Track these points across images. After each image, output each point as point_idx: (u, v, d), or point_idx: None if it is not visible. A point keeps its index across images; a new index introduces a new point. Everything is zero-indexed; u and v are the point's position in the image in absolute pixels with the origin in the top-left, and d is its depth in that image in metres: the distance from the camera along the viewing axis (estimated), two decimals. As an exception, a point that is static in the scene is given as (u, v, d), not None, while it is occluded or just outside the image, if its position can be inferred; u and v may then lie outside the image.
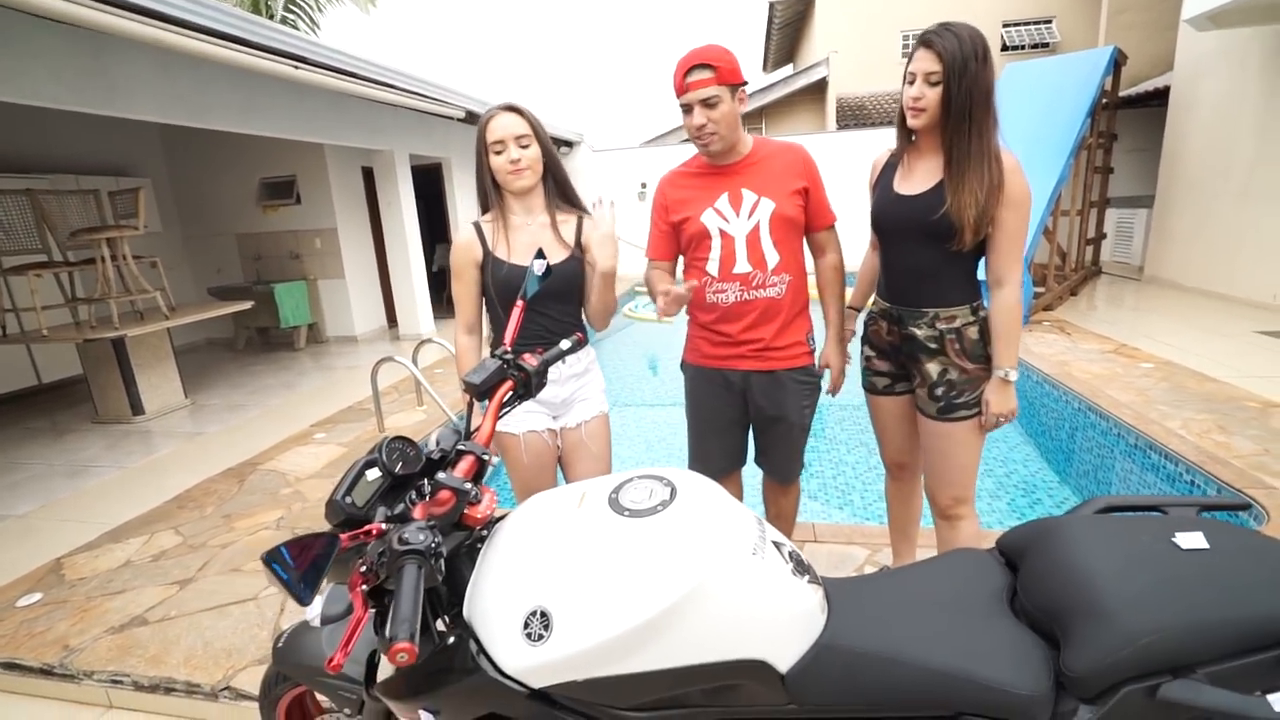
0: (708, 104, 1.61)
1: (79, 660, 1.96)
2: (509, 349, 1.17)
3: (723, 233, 1.73)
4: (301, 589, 0.67)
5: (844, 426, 4.35)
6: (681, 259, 1.88)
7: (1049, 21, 13.06)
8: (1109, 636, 0.80)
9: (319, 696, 1.35)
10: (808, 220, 1.78)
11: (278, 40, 4.02)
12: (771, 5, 15.22)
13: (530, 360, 1.18)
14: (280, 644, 1.22)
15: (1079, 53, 7.05)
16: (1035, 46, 12.96)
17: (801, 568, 0.95)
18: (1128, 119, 8.64)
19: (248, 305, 5.49)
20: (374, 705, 1.06)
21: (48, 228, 4.36)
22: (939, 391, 1.65)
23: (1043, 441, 3.93)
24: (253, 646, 1.97)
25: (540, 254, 1.30)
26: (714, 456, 1.95)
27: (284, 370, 5.95)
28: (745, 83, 1.68)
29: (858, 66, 13.43)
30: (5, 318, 4.27)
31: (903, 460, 1.92)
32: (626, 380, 5.79)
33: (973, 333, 1.62)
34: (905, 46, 14.02)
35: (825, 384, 1.93)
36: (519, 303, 1.24)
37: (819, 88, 14.07)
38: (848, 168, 9.60)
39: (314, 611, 0.97)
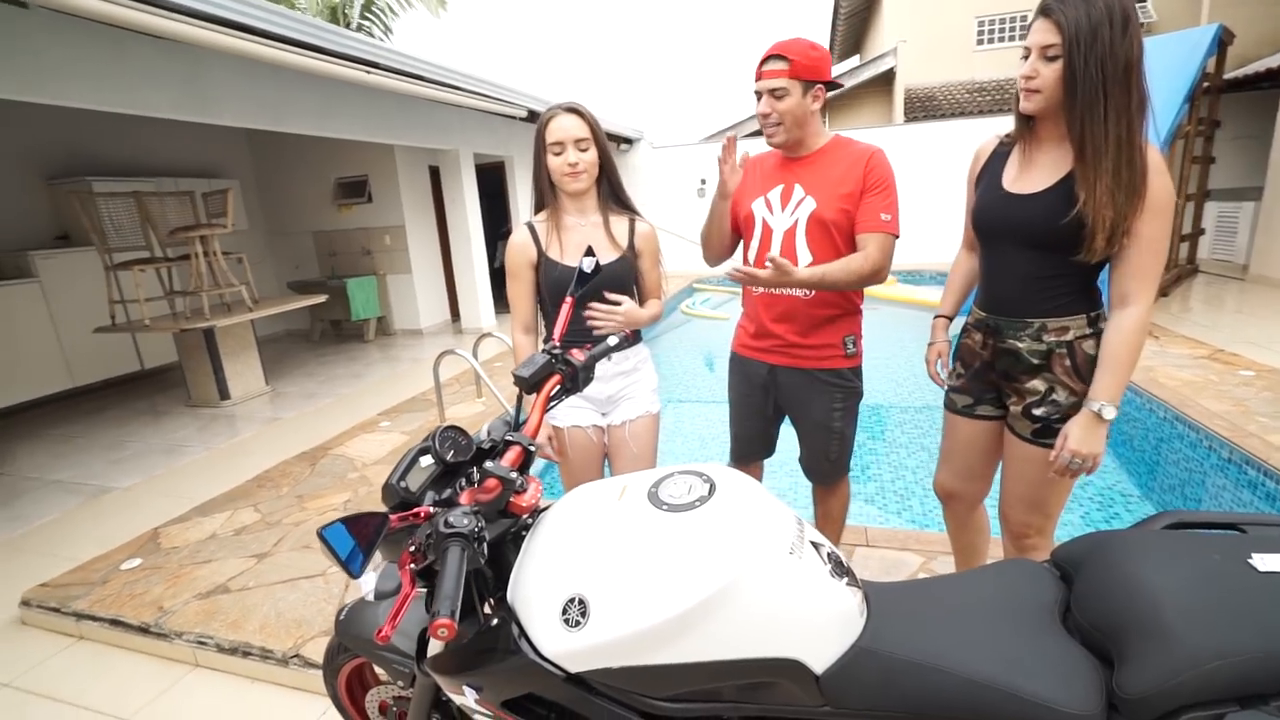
0: (775, 94, 1.61)
1: (171, 621, 2.15)
2: (558, 344, 1.21)
3: (765, 224, 1.75)
4: (352, 563, 0.72)
5: (904, 429, 4.22)
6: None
7: (1144, 0, 12.14)
8: (1171, 658, 0.75)
9: (376, 669, 1.43)
10: (857, 223, 1.68)
11: (351, 47, 4.23)
12: (838, -6, 14.79)
13: (577, 355, 1.21)
14: (342, 617, 1.31)
15: (1176, 32, 6.53)
16: (1128, 28, 12.07)
17: (841, 569, 0.94)
18: (1233, 103, 7.94)
19: (322, 299, 5.81)
20: (424, 679, 1.13)
21: (150, 226, 4.76)
22: (1038, 412, 1.42)
23: (1123, 452, 3.69)
24: (319, 619, 2.10)
25: (589, 252, 1.33)
26: (740, 442, 2.01)
27: (354, 361, 6.27)
28: (826, 81, 1.63)
29: (928, 56, 12.88)
30: (114, 309, 4.68)
31: (956, 489, 1.72)
32: (682, 376, 5.80)
33: (1089, 347, 1.38)
34: (981, 34, 13.35)
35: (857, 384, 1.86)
36: (567, 299, 1.27)
37: (886, 79, 13.59)
38: (916, 161, 9.30)
39: (369, 587, 1.03)
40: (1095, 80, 1.20)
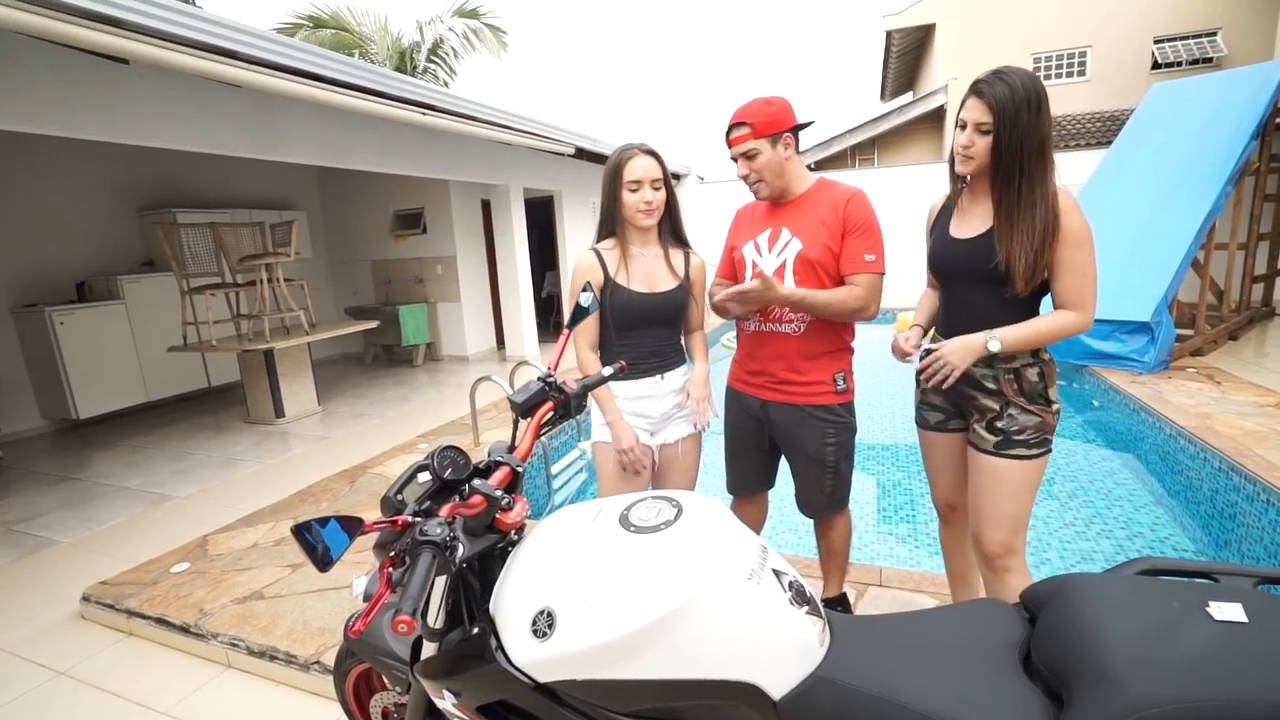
0: (748, 156, 1.74)
1: (209, 623, 2.30)
2: (552, 373, 1.29)
3: (754, 265, 1.85)
4: (322, 559, 0.80)
5: (918, 465, 4.10)
6: None
7: (1213, 34, 11.74)
8: (1111, 703, 0.75)
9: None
10: (841, 264, 1.75)
11: (410, 91, 4.56)
12: (889, 34, 14.87)
13: (570, 385, 1.29)
14: (350, 624, 1.40)
15: (1244, 67, 6.29)
16: (1196, 62, 11.67)
17: (802, 598, 0.97)
18: (1311, 139, 7.53)
19: (374, 324, 6.14)
20: (418, 685, 1.20)
21: (223, 254, 5.17)
22: (999, 425, 1.60)
23: (1176, 504, 3.48)
24: (342, 628, 2.21)
25: (587, 286, 1.41)
26: (736, 476, 2.07)
27: (402, 384, 6.55)
28: (791, 128, 1.73)
29: (982, 91, 12.73)
30: (187, 330, 5.08)
31: (954, 500, 1.85)
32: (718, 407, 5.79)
33: (1032, 375, 1.58)
34: (1037, 70, 13.13)
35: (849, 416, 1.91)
36: (565, 331, 1.36)
37: (937, 116, 13.49)
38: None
39: (359, 590, 1.12)
40: (1015, 153, 1.47)
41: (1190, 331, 5.54)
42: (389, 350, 7.92)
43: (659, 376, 1.87)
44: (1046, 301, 1.60)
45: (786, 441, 1.90)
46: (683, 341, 1.96)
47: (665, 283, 1.83)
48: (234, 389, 6.37)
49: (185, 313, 5.07)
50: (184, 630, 2.31)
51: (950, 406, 1.75)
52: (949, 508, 1.88)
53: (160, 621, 2.37)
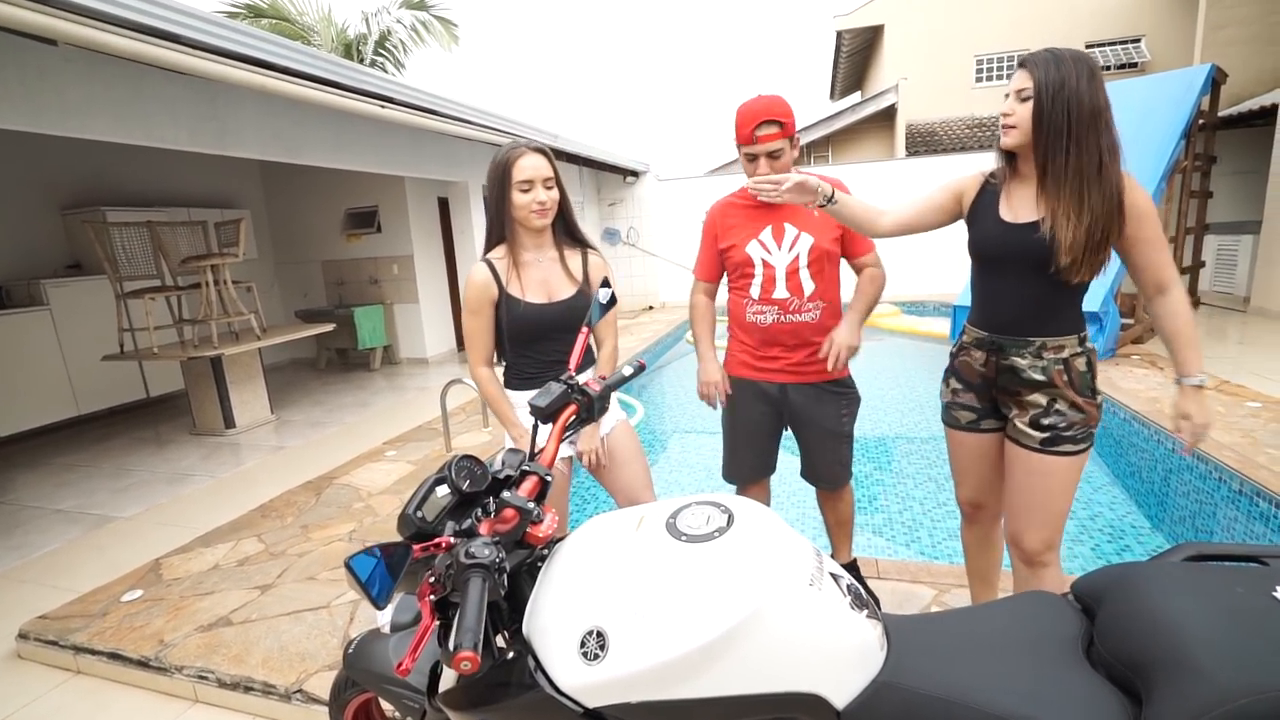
0: (773, 156, 1.75)
1: (171, 655, 2.12)
2: (573, 374, 1.22)
3: (765, 263, 1.88)
4: (377, 594, 0.72)
5: (911, 460, 4.19)
6: (726, 280, 2.03)
7: (1138, 41, 12.48)
8: (1201, 694, 0.74)
9: (384, 704, 1.41)
10: (845, 250, 1.89)
11: (366, 82, 4.34)
12: (839, 34, 15.21)
13: (594, 385, 1.22)
14: (350, 650, 1.29)
15: (1171, 71, 6.68)
16: (1123, 67, 12.38)
17: (860, 602, 0.93)
18: (1229, 140, 8.08)
19: (329, 328, 5.86)
20: (436, 715, 1.11)
21: (162, 255, 4.83)
22: (1045, 422, 1.53)
23: (1132, 484, 3.66)
24: (324, 652, 2.07)
25: (606, 282, 1.35)
26: (746, 464, 2.09)
27: (360, 389, 6.28)
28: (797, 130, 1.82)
29: (929, 92, 13.19)
30: (123, 337, 4.72)
31: (980, 500, 1.80)
32: (686, 406, 5.79)
33: (1081, 364, 1.53)
34: (979, 72, 13.68)
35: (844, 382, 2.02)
36: (584, 329, 1.29)
37: (888, 115, 13.88)
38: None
39: (385, 619, 1.02)
40: (1061, 118, 1.39)
41: (1132, 321, 5.84)
42: (343, 354, 7.60)
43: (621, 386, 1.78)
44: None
45: (806, 419, 1.97)
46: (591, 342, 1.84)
47: (563, 290, 1.73)
48: (176, 399, 5.97)
49: (121, 318, 4.71)
50: (143, 664, 2.12)
51: (985, 405, 1.68)
52: (974, 507, 1.83)
53: (114, 656, 2.17)
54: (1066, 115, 1.38)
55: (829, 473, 2.04)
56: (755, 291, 1.90)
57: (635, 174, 10.59)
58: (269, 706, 1.93)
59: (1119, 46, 12.52)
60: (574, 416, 1.19)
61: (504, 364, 1.84)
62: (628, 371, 1.30)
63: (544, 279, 1.72)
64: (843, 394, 1.97)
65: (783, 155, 1.75)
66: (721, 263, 1.99)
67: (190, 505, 3.55)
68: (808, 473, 2.10)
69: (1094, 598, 0.96)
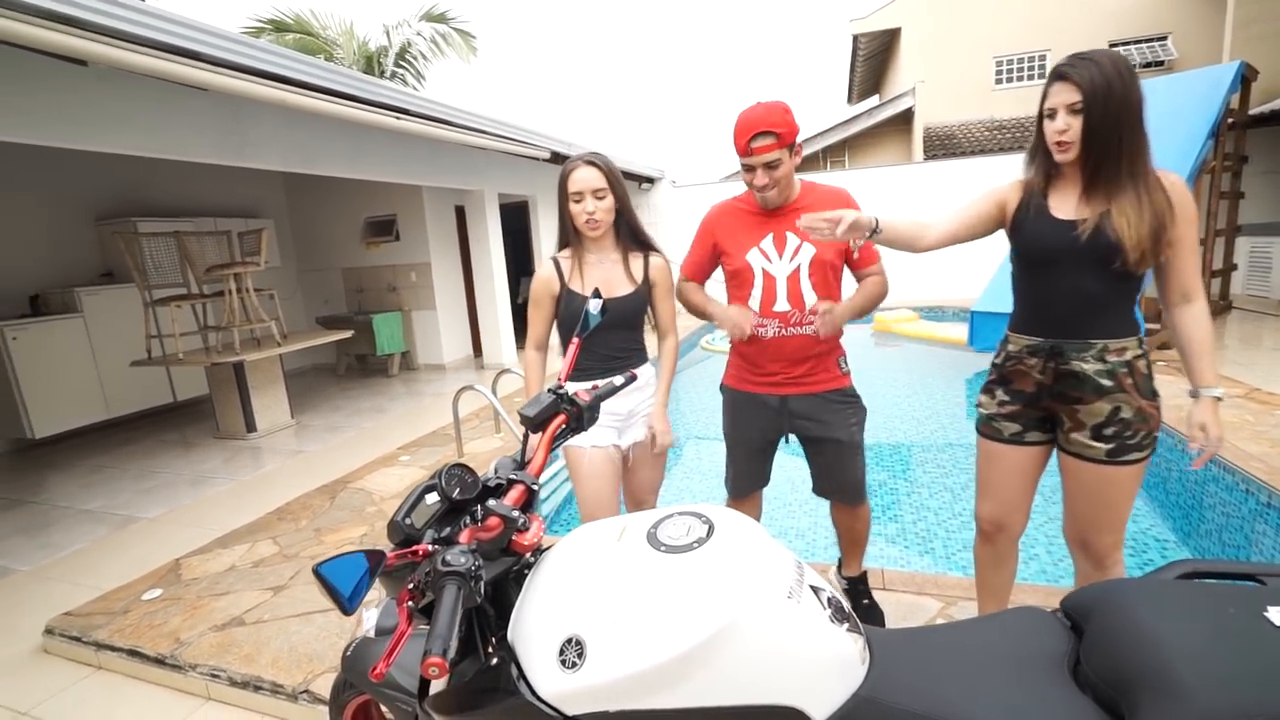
0: (770, 166, 1.72)
1: (186, 653, 2.17)
2: (563, 384, 1.23)
3: (765, 273, 1.85)
4: (346, 599, 0.74)
5: (926, 469, 4.13)
6: (725, 290, 2.01)
7: (1164, 38, 12.20)
8: (1181, 716, 0.73)
9: (382, 706, 1.43)
10: (850, 262, 1.86)
11: (383, 95, 4.43)
12: (855, 37, 15.11)
13: (583, 396, 1.23)
14: (349, 653, 1.31)
15: (1198, 70, 6.52)
16: (1149, 65, 12.10)
17: (841, 615, 0.93)
18: (1261, 139, 7.84)
19: (349, 334, 5.97)
20: (425, 719, 1.12)
21: (189, 264, 4.97)
22: (1109, 432, 1.49)
23: (1157, 495, 3.56)
24: (331, 654, 2.11)
25: (596, 293, 1.36)
26: (742, 476, 2.07)
27: (378, 395, 6.38)
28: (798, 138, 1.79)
29: (947, 95, 13.03)
30: (151, 343, 4.86)
31: (1005, 520, 1.72)
32: (701, 413, 5.77)
33: (1143, 366, 1.50)
34: (999, 73, 13.49)
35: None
36: (575, 340, 1.30)
37: (905, 118, 13.74)
38: (936, 198, 9.31)
39: (370, 624, 1.04)
40: (1113, 122, 1.38)
41: (1158, 326, 5.70)
42: (363, 360, 7.72)
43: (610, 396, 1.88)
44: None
45: (813, 430, 1.92)
46: (648, 345, 1.97)
47: (621, 288, 1.84)
48: (201, 403, 6.12)
49: (149, 325, 4.85)
50: (159, 662, 2.18)
51: (1034, 417, 1.61)
52: (995, 527, 1.74)
53: (133, 653, 2.23)
54: (1117, 118, 1.38)
55: (847, 486, 1.98)
56: (755, 304, 1.88)
57: (650, 180, 10.64)
58: (277, 706, 1.97)
59: (1145, 45, 12.26)
60: (564, 426, 1.20)
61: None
62: (618, 382, 1.31)
63: (605, 278, 1.83)
64: (848, 403, 1.92)
65: (781, 165, 1.72)
66: (712, 265, 1.98)
67: (211, 507, 3.64)
68: (821, 488, 2.03)
69: (1082, 614, 0.94)
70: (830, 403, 1.90)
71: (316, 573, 0.74)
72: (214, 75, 3.27)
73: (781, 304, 1.85)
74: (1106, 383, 1.48)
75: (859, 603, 2.10)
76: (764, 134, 1.69)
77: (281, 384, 5.30)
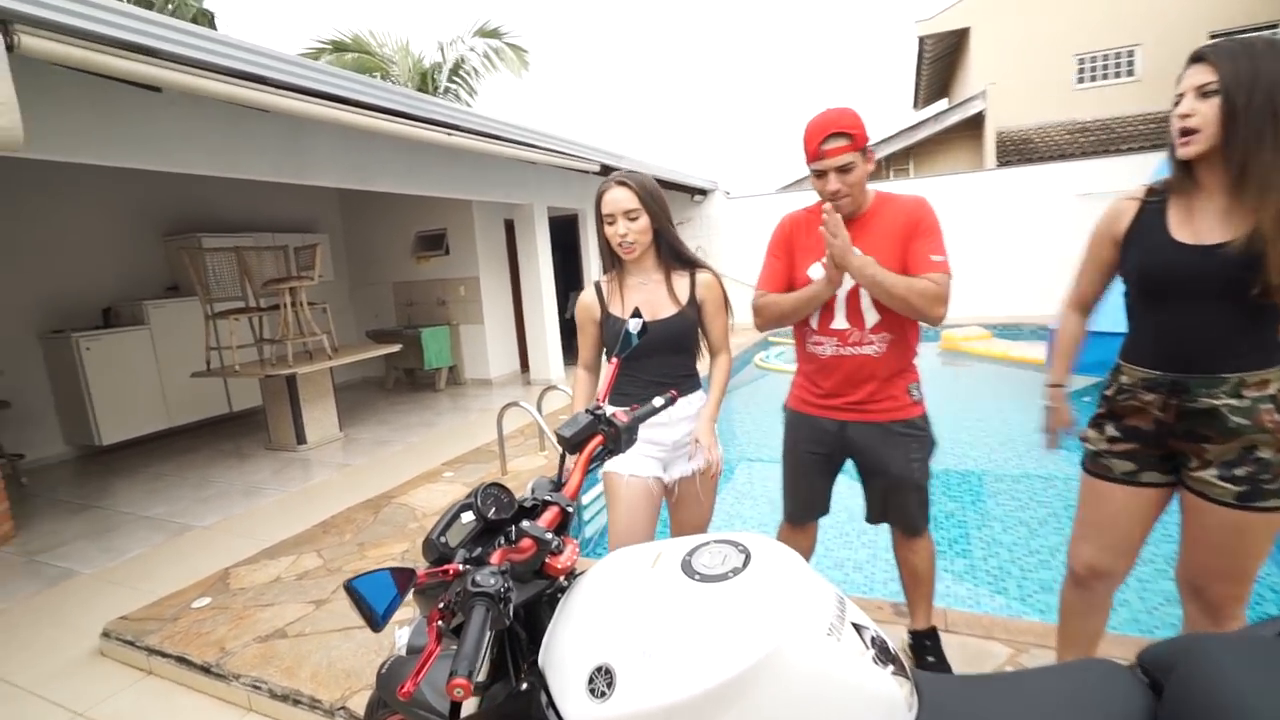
0: (844, 170, 1.69)
1: (231, 663, 2.28)
2: (601, 404, 1.25)
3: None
4: (376, 616, 0.77)
5: (998, 500, 3.95)
6: None
7: (1275, 26, 11.47)
8: None
9: (415, 727, 1.46)
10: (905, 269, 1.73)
11: (433, 111, 4.64)
12: (921, 39, 14.85)
13: (621, 417, 1.25)
14: (383, 671, 1.35)
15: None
16: (1256, 61, 11.37)
17: (886, 656, 0.90)
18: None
19: (397, 348, 6.20)
20: (456, 742, 1.15)
21: (247, 278, 5.29)
22: (1241, 472, 1.36)
23: None
24: (369, 671, 2.17)
25: (636, 313, 1.38)
26: (799, 504, 2.03)
27: (425, 409, 6.59)
28: (870, 142, 1.75)
29: (1023, 97, 12.60)
30: (210, 355, 5.18)
31: (1105, 567, 1.60)
32: (754, 434, 5.71)
33: None
34: (1081, 72, 12.97)
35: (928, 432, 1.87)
36: (613, 360, 1.32)
37: (975, 122, 13.36)
38: (1010, 208, 8.99)
39: (402, 642, 1.08)
40: (1262, 112, 1.22)
41: None
42: (411, 374, 8.00)
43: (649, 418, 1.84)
44: None
45: (870, 462, 1.87)
46: (699, 367, 1.94)
47: (665, 309, 1.82)
48: (256, 414, 6.46)
49: (209, 337, 5.18)
50: (204, 670, 2.29)
51: (1152, 455, 1.49)
52: (1094, 574, 1.62)
53: (181, 660, 2.36)
54: (1270, 107, 1.22)
55: (903, 521, 1.93)
56: (814, 320, 1.85)
57: (703, 192, 10.69)
58: (315, 721, 2.05)
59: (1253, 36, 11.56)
60: (600, 448, 1.22)
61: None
62: (658, 403, 1.32)
63: (647, 299, 1.82)
64: (913, 436, 1.83)
65: (854, 169, 1.68)
66: (791, 275, 1.90)
67: (260, 517, 3.83)
68: (873, 516, 1.99)
69: (1162, 670, 0.88)
70: (892, 434, 1.82)
71: (349, 587, 0.78)
72: (276, 98, 3.51)
73: (839, 321, 1.81)
74: (1241, 421, 1.34)
75: (923, 660, 1.98)
76: (837, 135, 1.66)
77: (331, 397, 5.54)
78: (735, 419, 6.30)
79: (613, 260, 1.88)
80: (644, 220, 1.78)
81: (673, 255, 1.86)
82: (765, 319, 1.91)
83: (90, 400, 5.35)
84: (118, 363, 5.55)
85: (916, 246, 1.72)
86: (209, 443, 5.79)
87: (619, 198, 1.76)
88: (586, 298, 1.93)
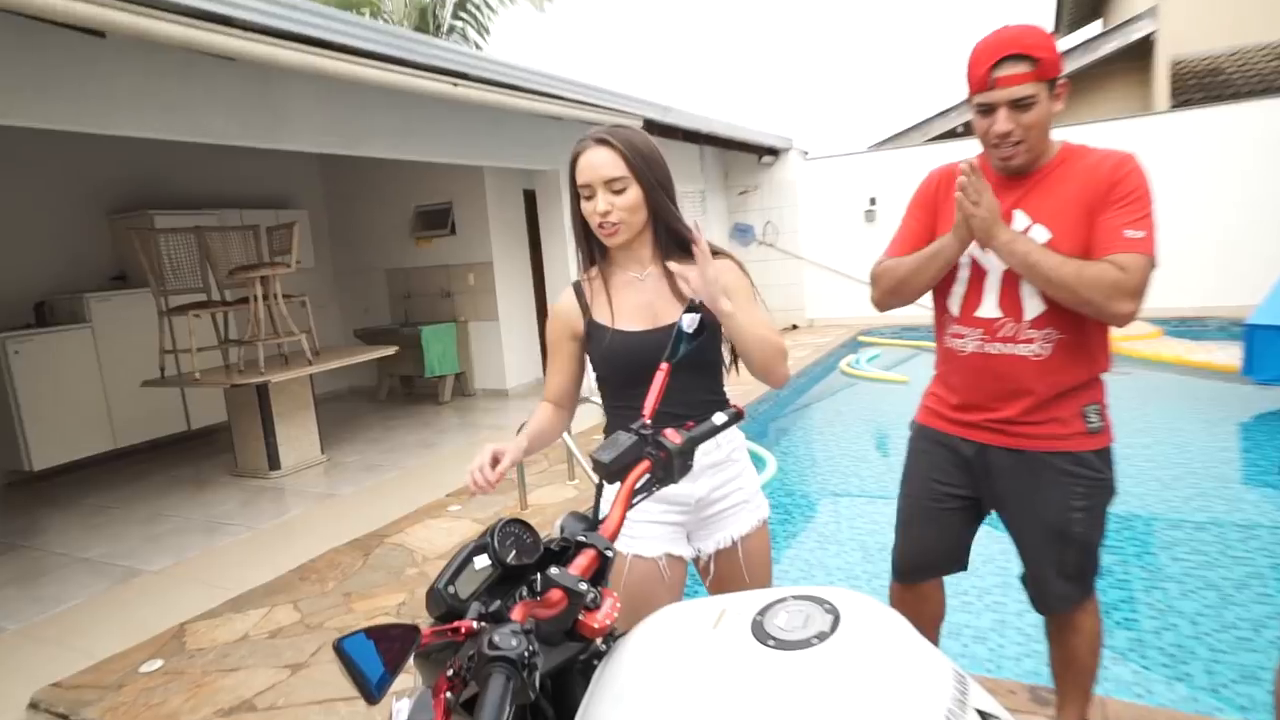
0: (1020, 105, 1.59)
1: (188, 742, 2.38)
2: (648, 422, 1.26)
3: (974, 262, 1.73)
4: (371, 686, 0.79)
5: (1175, 554, 3.80)
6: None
7: None
8: None
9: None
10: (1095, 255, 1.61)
11: (435, 57, 4.74)
12: (1068, -56, 14.44)
13: (673, 437, 1.24)
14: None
15: None
16: None
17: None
18: None
19: (392, 351, 6.37)
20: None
21: (210, 265, 5.52)
22: None
23: None
24: (357, 756, 2.23)
25: (692, 306, 1.38)
26: (915, 551, 1.96)
27: (425, 427, 6.74)
28: (1063, 75, 1.64)
29: (1207, 13, 12.09)
30: (165, 359, 5.41)
31: None
32: (840, 460, 5.65)
33: None
34: (1291, -20, 12.38)
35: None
36: (663, 365, 1.33)
37: (1140, 51, 12.89)
38: (1189, 164, 8.65)
39: (401, 718, 1.10)
40: None
41: None
42: (408, 383, 8.18)
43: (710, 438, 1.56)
44: None
45: (1013, 504, 1.81)
46: (726, 392, 1.76)
47: (671, 312, 1.62)
48: (219, 432, 6.69)
49: (164, 338, 5.41)
50: (156, 750, 2.39)
51: None
52: None
53: (128, 737, 2.47)
54: None
55: (1043, 588, 1.84)
56: (954, 304, 1.79)
57: (774, 152, 10.63)
58: (290, 816, 2.11)
59: None
60: (647, 475, 1.23)
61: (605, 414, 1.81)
62: (720, 420, 1.32)
63: (647, 301, 1.67)
64: (1079, 476, 1.72)
65: (1034, 105, 1.58)
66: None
67: (224, 560, 3.97)
68: (1023, 581, 1.92)
69: None
70: (1050, 469, 1.72)
71: (338, 648, 0.80)
72: (243, 42, 3.64)
73: (989, 308, 1.72)
74: None
75: None
76: (1016, 58, 1.56)
77: (311, 411, 5.72)
78: (815, 439, 6.24)
79: (593, 250, 1.71)
80: (634, 193, 1.57)
81: (672, 240, 1.68)
82: (881, 289, 1.87)
83: (19, 416, 5.61)
84: (53, 370, 5.82)
85: (1108, 218, 1.59)
86: (162, 468, 6.03)
87: (598, 161, 1.56)
88: (563, 304, 1.76)
